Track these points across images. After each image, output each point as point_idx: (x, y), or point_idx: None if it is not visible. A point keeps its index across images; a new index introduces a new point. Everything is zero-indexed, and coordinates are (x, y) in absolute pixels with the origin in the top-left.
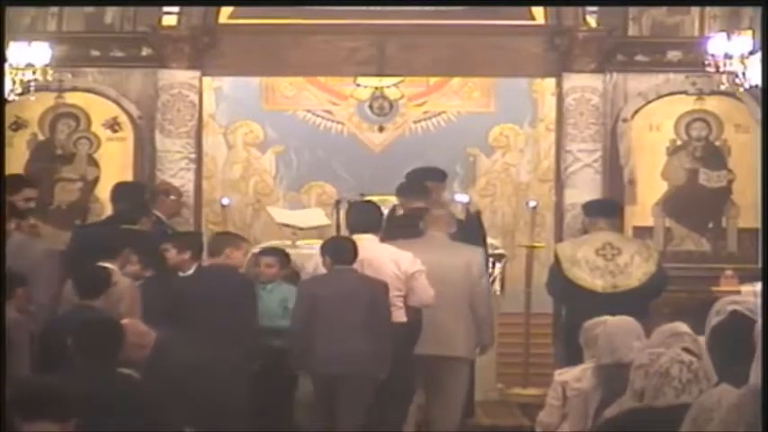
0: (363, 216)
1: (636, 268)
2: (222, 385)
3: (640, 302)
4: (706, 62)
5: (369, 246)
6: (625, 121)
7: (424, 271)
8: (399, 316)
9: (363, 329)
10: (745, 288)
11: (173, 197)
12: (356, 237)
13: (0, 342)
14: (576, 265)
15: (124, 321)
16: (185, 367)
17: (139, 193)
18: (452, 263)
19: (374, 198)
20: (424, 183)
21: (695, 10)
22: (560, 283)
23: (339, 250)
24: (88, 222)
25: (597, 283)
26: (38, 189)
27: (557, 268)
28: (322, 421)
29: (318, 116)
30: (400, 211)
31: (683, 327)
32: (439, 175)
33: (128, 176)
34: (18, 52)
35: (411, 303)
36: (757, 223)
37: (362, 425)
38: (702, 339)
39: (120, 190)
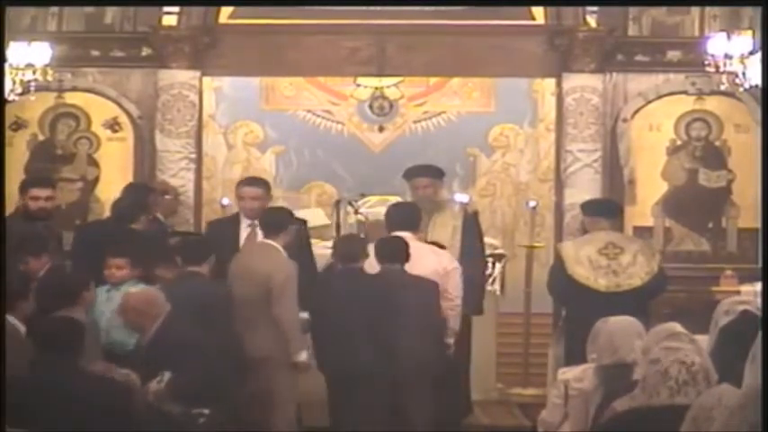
0: (402, 214)
1: (639, 268)
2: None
3: (641, 302)
4: (706, 62)
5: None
6: (625, 121)
7: (459, 269)
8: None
9: (411, 328)
10: (745, 288)
11: (168, 196)
12: (395, 234)
13: (0, 342)
14: (580, 264)
15: (132, 289)
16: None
17: (142, 194)
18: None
19: (374, 198)
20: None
21: (695, 10)
22: (562, 282)
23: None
24: (88, 222)
25: (600, 282)
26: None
27: (559, 267)
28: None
29: (318, 116)
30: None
31: (677, 327)
32: (436, 173)
33: (128, 176)
34: (18, 52)
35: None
36: (757, 223)
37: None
38: (700, 339)
39: (127, 191)
